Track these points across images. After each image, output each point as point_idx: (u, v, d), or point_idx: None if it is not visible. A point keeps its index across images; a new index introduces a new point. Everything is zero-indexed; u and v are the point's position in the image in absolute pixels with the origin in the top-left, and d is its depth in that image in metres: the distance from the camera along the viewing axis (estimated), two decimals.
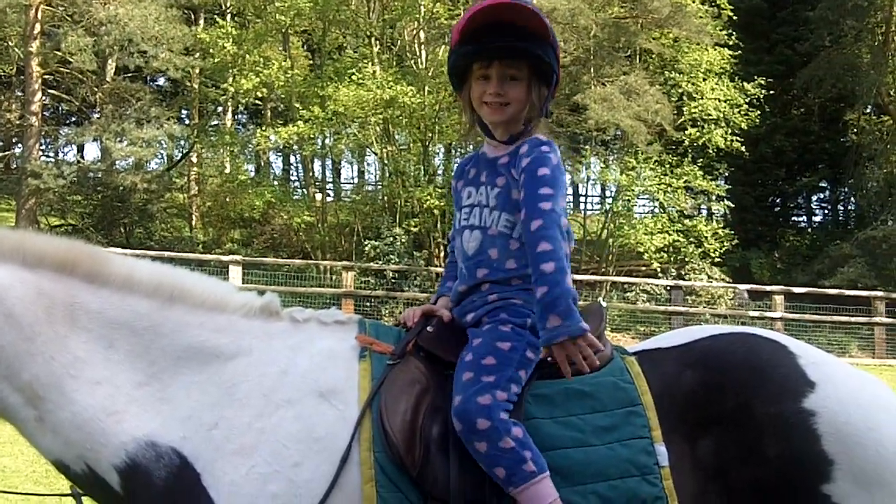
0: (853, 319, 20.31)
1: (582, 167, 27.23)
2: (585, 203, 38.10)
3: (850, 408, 2.59)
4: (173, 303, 2.65)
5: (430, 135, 23.76)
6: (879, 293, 20.94)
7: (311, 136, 23.78)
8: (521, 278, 2.73)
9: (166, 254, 19.07)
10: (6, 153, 29.41)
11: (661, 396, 2.66)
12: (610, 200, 28.27)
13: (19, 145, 28.00)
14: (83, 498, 2.71)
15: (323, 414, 2.53)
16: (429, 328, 2.77)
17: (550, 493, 2.46)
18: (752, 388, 2.62)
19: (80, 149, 34.77)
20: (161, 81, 33.44)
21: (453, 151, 26.06)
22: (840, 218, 35.67)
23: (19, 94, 27.43)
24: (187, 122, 31.12)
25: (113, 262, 2.66)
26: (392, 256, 21.80)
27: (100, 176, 26.10)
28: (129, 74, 27.42)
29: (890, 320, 20.29)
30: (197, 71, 28.67)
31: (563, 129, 25.47)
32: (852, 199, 34.30)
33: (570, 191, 38.26)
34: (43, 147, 28.70)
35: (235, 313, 2.70)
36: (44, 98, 27.02)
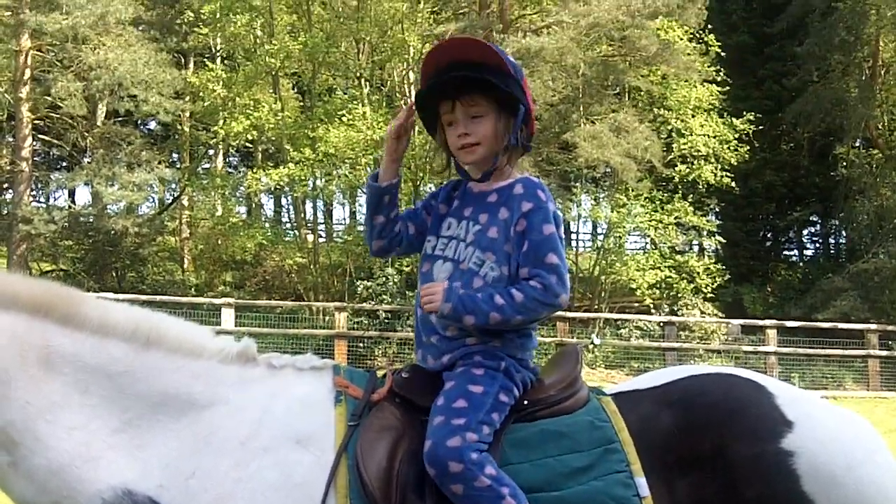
0: (847, 352, 20.23)
1: (573, 205, 27.26)
2: (577, 240, 38.10)
3: (829, 447, 2.56)
4: (149, 347, 2.60)
5: (421, 174, 23.81)
6: (872, 326, 20.91)
7: (302, 177, 23.78)
8: None
9: (158, 297, 18.94)
10: None
11: (638, 436, 2.63)
12: (601, 237, 28.32)
13: (10, 191, 27.92)
14: None
15: (300, 461, 2.49)
16: (403, 374, 2.74)
17: None
18: (728, 430, 2.60)
19: (72, 193, 34.84)
20: (152, 125, 33.50)
21: None
22: (831, 251, 35.70)
23: (10, 139, 27.37)
24: (178, 165, 31.15)
25: (87, 304, 2.62)
26: (384, 297, 21.74)
27: (91, 221, 26.06)
28: (120, 119, 27.51)
29: (883, 353, 20.25)
30: (187, 114, 28.85)
31: (554, 167, 25.56)
32: (843, 232, 34.33)
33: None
34: (34, 192, 28.76)
35: (212, 359, 2.66)
36: (34, 143, 27.04)
